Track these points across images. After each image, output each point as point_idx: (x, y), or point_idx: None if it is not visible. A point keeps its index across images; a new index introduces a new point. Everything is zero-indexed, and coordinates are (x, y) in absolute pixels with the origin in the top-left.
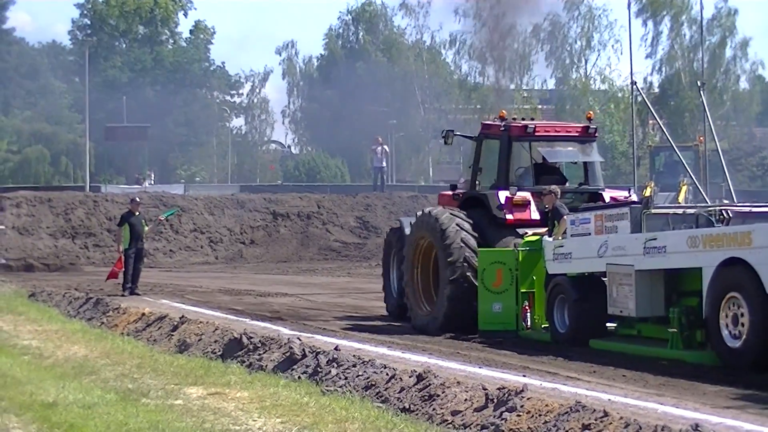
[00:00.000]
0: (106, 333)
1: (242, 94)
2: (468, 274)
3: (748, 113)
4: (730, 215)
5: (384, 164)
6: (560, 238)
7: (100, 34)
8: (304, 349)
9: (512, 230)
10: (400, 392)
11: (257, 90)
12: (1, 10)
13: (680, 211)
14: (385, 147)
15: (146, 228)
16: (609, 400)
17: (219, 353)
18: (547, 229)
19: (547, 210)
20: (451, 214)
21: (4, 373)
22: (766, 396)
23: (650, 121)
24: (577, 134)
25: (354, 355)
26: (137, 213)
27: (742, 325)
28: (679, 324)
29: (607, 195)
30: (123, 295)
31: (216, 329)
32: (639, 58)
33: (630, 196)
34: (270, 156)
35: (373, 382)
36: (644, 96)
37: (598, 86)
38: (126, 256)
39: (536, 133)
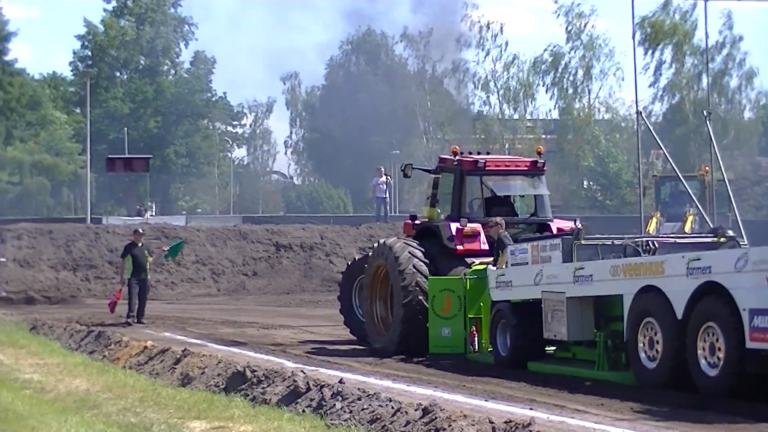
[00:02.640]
0: (108, 366)
1: (245, 124)
2: (420, 297)
3: (751, 143)
4: (657, 246)
5: (386, 195)
6: (503, 267)
7: (100, 64)
8: (308, 383)
9: (462, 260)
10: (405, 426)
11: (260, 121)
12: (2, 41)
13: (609, 241)
14: (388, 177)
15: (149, 259)
16: None
17: (222, 387)
18: (492, 258)
19: (494, 241)
20: (404, 243)
21: (5, 407)
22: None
23: (653, 151)
24: (526, 168)
25: (358, 388)
26: (140, 244)
27: (657, 348)
28: (605, 347)
29: (555, 226)
30: (127, 323)
31: (219, 362)
32: (642, 86)
33: (579, 226)
34: (272, 187)
35: (379, 416)
36: (649, 125)
37: (602, 115)
38: (129, 287)
39: (487, 168)
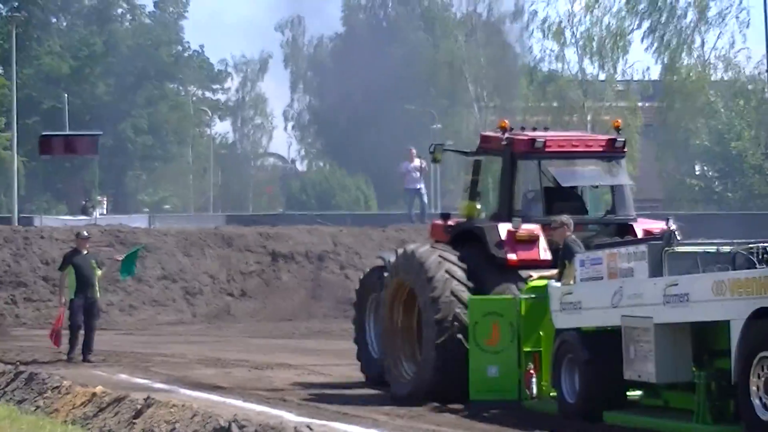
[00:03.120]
0: (43, 420)
1: (228, 89)
2: (459, 335)
3: None
4: None
5: (421, 185)
6: (570, 282)
7: (30, 7)
8: None
9: (515, 273)
10: None
11: (249, 84)
12: None
13: (713, 249)
14: (423, 161)
15: (98, 272)
16: None
17: None
18: (557, 271)
19: (558, 247)
20: (440, 256)
21: None
22: None
23: None
24: (600, 149)
25: None
26: (85, 251)
27: None
28: (707, 392)
29: (640, 227)
30: (69, 360)
31: (194, 415)
32: None
33: (671, 227)
34: (267, 174)
35: None
36: None
37: (720, 75)
38: (72, 311)
39: (547, 148)
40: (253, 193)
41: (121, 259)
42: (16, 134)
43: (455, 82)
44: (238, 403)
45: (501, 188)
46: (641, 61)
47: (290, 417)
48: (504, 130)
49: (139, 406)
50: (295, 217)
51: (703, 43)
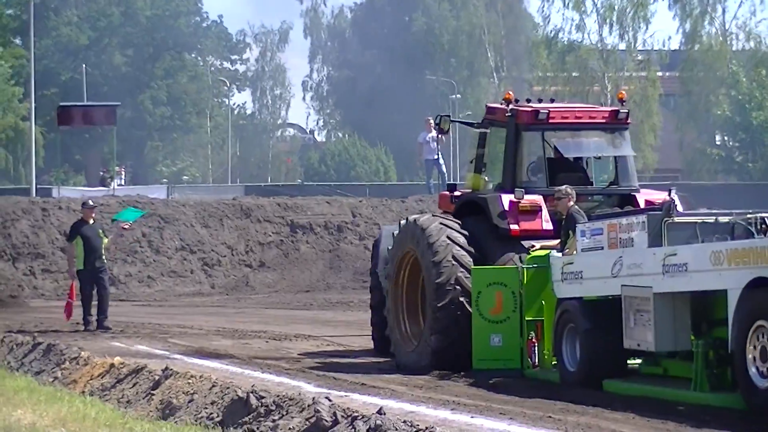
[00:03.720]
0: (61, 392)
1: (248, 60)
2: (461, 299)
3: None
4: None
5: (439, 156)
6: (573, 252)
7: None
8: (335, 414)
9: (518, 243)
10: None
11: (269, 54)
12: None
13: (711, 219)
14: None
15: (105, 240)
16: None
17: (218, 419)
18: (559, 241)
19: (562, 217)
20: (441, 223)
21: None
22: None
23: None
24: (604, 121)
25: (405, 421)
26: (92, 221)
27: None
28: (704, 360)
29: (642, 198)
30: (87, 330)
31: (213, 386)
32: None
33: (672, 198)
34: (286, 146)
35: None
36: None
37: (741, 45)
38: (82, 281)
39: (551, 120)
40: (272, 164)
41: (128, 227)
42: (34, 105)
43: (475, 52)
44: (257, 374)
45: (505, 159)
46: (662, 30)
47: (309, 388)
48: (508, 101)
49: (157, 377)
50: (314, 188)
51: (723, 12)
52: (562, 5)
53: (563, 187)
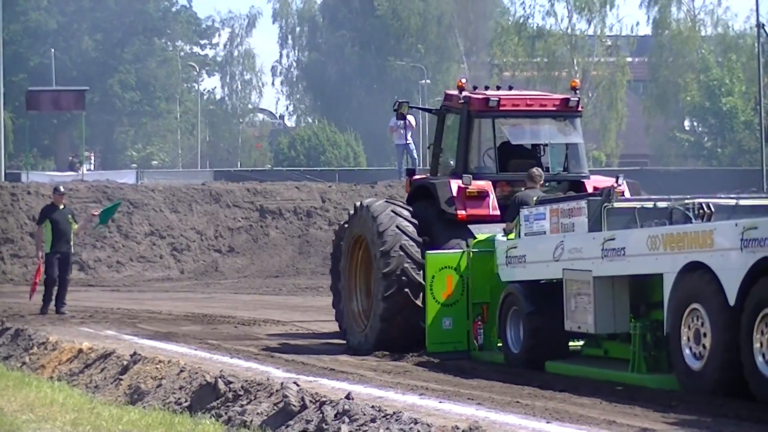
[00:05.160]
0: (29, 377)
1: (217, 45)
2: (406, 289)
3: None
4: (713, 210)
5: (409, 140)
6: (513, 235)
7: None
8: (303, 398)
9: (465, 228)
10: None
11: (238, 39)
12: None
13: (650, 204)
14: (409, 118)
15: (74, 226)
16: None
17: (186, 404)
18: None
19: (507, 203)
20: (392, 211)
21: None
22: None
23: None
24: (554, 108)
25: (373, 406)
26: (62, 206)
27: (704, 343)
28: (642, 342)
29: (591, 184)
30: (42, 313)
31: (181, 371)
32: None
33: (619, 185)
34: (256, 131)
35: None
36: None
37: (709, 31)
38: (48, 264)
39: (501, 107)
40: (241, 149)
41: (97, 213)
42: (2, 90)
43: (445, 38)
44: (225, 359)
45: (458, 146)
46: (630, 15)
47: (277, 373)
48: (461, 89)
49: (125, 363)
50: (284, 173)
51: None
52: None
53: (532, 170)
